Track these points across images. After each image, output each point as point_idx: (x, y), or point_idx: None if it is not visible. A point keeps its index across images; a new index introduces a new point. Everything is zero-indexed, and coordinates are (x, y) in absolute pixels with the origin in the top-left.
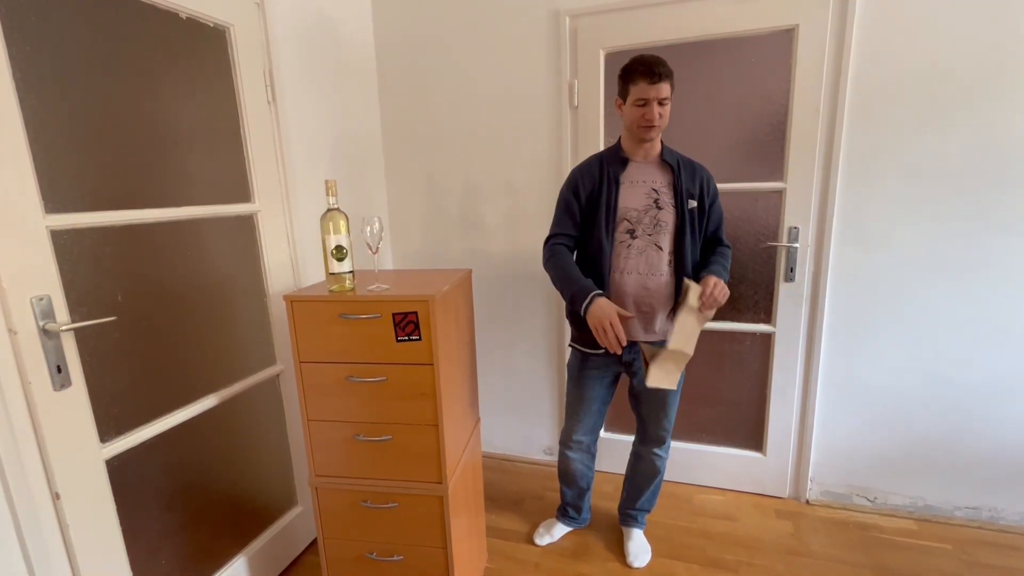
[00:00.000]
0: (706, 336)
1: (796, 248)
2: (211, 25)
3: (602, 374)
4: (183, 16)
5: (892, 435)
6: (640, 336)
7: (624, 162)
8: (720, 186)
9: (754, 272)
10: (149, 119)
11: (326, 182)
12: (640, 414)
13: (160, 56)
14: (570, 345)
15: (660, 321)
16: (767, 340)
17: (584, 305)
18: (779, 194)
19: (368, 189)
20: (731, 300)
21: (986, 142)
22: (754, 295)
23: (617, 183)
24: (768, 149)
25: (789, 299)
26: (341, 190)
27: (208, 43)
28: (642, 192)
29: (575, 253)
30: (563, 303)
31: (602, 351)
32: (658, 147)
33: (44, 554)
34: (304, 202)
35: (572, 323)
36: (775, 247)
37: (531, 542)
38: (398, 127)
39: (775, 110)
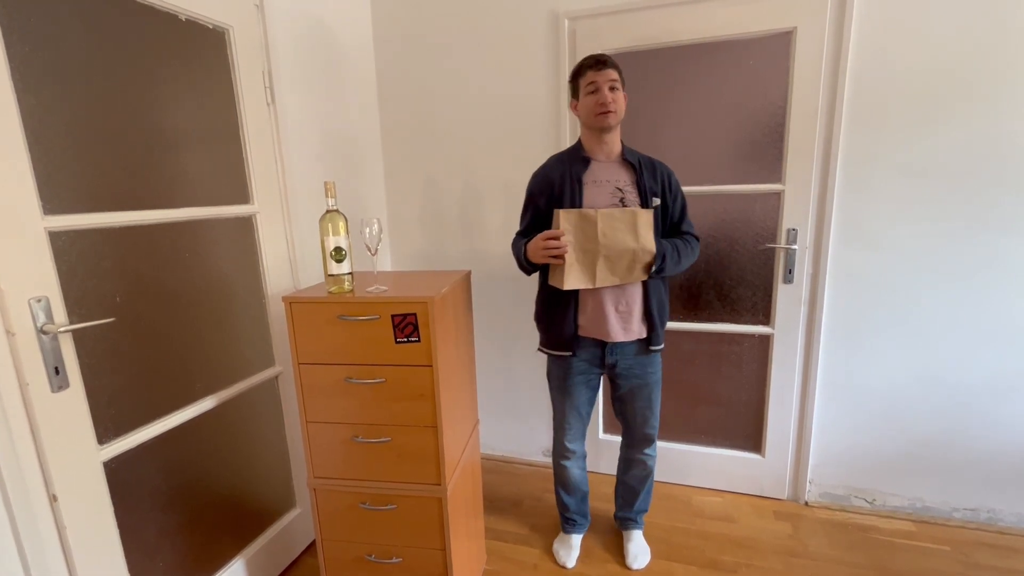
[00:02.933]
0: (705, 337)
1: (795, 250)
2: (210, 27)
3: (586, 378)
4: (182, 18)
5: (891, 436)
6: (620, 336)
7: (586, 161)
8: (718, 188)
9: (752, 274)
10: (148, 120)
11: (325, 183)
12: (626, 417)
13: (159, 57)
14: (539, 349)
15: (636, 320)
16: (766, 342)
17: (524, 256)
18: (777, 196)
19: (367, 190)
20: (730, 301)
21: (984, 143)
22: (752, 297)
23: (580, 183)
24: (766, 151)
25: (788, 301)
26: (340, 191)
27: (207, 45)
28: (607, 191)
29: None
30: None
31: (569, 353)
32: (619, 146)
33: (41, 556)
34: (303, 203)
35: (539, 327)
36: (773, 249)
37: (530, 545)
38: (397, 128)
39: (773, 112)
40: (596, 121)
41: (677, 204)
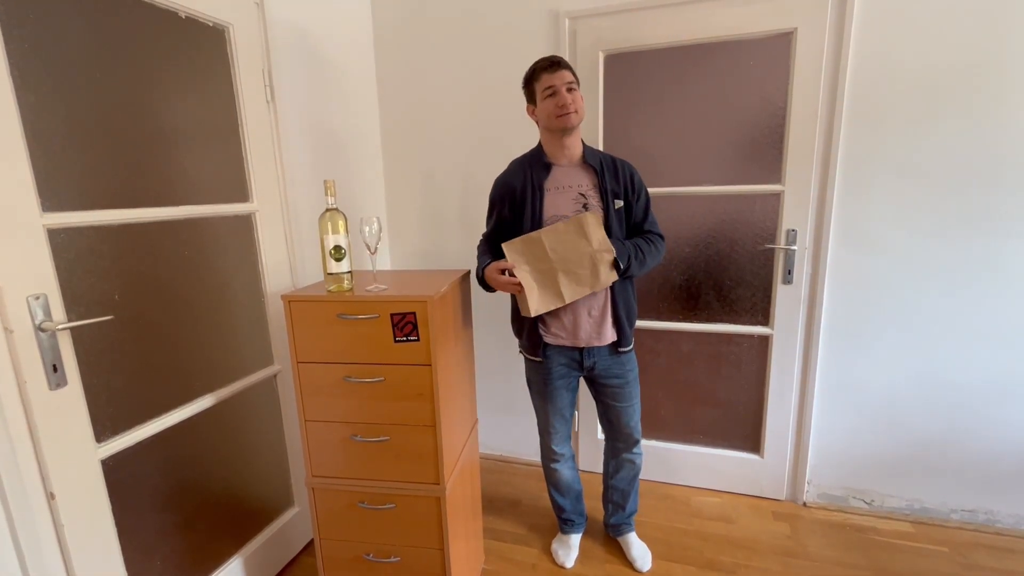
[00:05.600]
0: (704, 338)
1: (794, 250)
2: (210, 24)
3: (566, 382)
4: (182, 15)
5: (889, 437)
6: (594, 342)
7: (548, 167)
8: (718, 188)
9: (752, 274)
10: (147, 118)
11: (325, 182)
12: (610, 420)
13: (159, 55)
14: (519, 351)
15: (608, 325)
16: (765, 342)
17: (480, 274)
18: (777, 196)
19: (367, 189)
20: (729, 302)
21: (984, 145)
22: (752, 297)
23: (541, 190)
24: (766, 152)
25: (787, 301)
26: (339, 190)
27: (207, 42)
28: (569, 197)
29: None
30: None
31: (539, 359)
32: (580, 148)
33: (38, 554)
34: (302, 202)
35: (514, 332)
36: (773, 249)
37: (528, 545)
38: (397, 127)
39: (773, 113)
40: (557, 123)
41: (640, 203)
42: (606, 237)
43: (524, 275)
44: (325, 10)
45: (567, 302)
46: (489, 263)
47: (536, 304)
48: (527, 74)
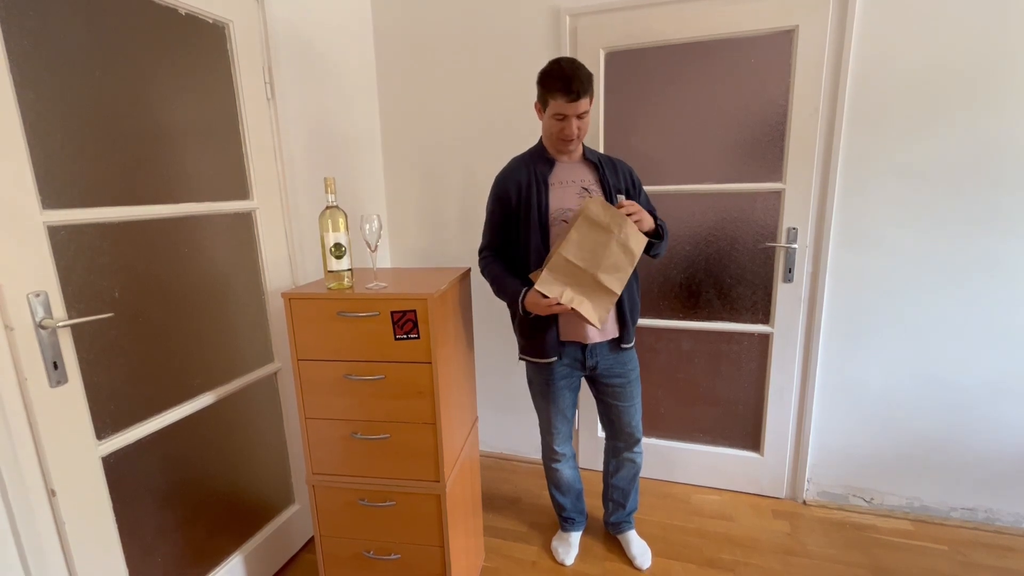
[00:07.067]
0: (705, 336)
1: (795, 249)
2: (210, 21)
3: (568, 382)
4: (182, 12)
5: (889, 436)
6: (596, 337)
7: (550, 163)
8: (719, 187)
9: (752, 273)
10: (148, 115)
11: (325, 179)
12: (611, 419)
13: (159, 52)
14: (521, 357)
15: (611, 319)
16: (765, 341)
17: (521, 306)
18: (778, 195)
19: (367, 187)
20: (730, 300)
21: (985, 144)
22: (752, 296)
23: (546, 184)
24: (767, 150)
25: (787, 300)
26: (340, 188)
27: (207, 39)
28: (573, 192)
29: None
30: None
31: (554, 358)
32: (580, 147)
33: (39, 551)
34: (303, 199)
35: (519, 335)
36: (773, 248)
37: (528, 542)
38: (397, 125)
39: (774, 111)
40: (558, 145)
41: (643, 199)
42: (614, 210)
43: (570, 298)
44: (325, 7)
45: (620, 292)
46: (523, 291)
47: (596, 314)
48: (543, 77)
